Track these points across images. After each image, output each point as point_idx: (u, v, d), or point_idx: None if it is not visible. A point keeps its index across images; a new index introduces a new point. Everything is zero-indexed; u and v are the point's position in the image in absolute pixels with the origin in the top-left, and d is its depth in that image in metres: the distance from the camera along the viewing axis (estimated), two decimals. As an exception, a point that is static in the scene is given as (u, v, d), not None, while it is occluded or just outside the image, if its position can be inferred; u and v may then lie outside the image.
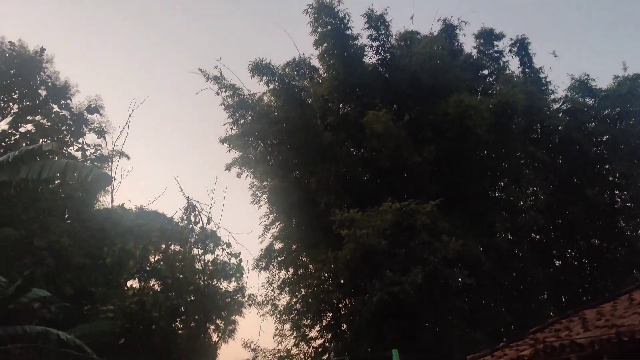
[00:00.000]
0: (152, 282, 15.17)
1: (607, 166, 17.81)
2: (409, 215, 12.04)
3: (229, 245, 14.76)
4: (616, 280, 15.94)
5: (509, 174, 16.10)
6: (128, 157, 19.07)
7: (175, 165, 39.89)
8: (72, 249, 14.65)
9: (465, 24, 17.68)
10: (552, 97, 18.29)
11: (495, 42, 18.45)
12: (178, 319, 14.97)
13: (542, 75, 18.37)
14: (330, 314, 15.84)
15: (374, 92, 16.13)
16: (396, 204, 12.21)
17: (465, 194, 15.33)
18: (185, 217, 14.55)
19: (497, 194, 16.60)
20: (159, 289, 14.98)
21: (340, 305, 15.82)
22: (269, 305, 16.55)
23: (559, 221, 17.59)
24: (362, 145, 15.67)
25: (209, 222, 14.97)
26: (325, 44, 16.01)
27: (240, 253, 15.05)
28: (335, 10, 15.72)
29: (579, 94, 17.89)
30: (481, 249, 14.36)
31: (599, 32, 51.29)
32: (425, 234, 12.09)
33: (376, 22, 16.22)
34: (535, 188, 17.29)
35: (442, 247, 11.74)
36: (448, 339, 11.97)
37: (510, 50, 18.57)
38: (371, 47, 16.63)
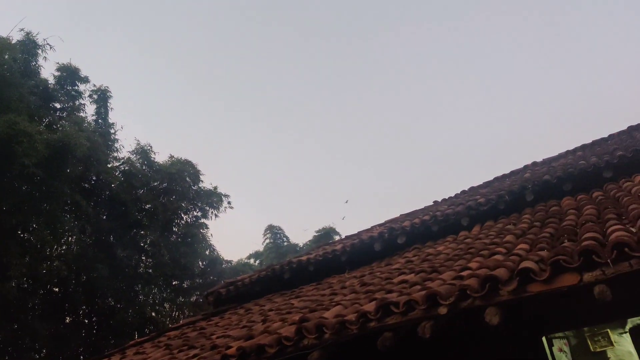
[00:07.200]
0: None
1: (142, 232, 19.38)
2: None
3: None
4: (120, 340, 16.78)
5: (47, 216, 14.92)
6: None
7: None
8: None
9: (51, 47, 16.50)
10: (116, 154, 18.93)
11: (78, 82, 17.94)
12: None
13: (112, 130, 18.89)
14: None
15: None
16: None
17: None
18: None
19: (25, 235, 14.98)
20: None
21: None
22: None
23: (85, 277, 17.40)
24: None
25: None
26: None
27: None
28: None
29: (139, 160, 19.29)
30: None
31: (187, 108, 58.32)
32: None
33: None
34: (71, 238, 16.65)
35: None
36: None
37: (90, 96, 18.42)
38: None
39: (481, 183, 9.53)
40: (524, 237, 4.81)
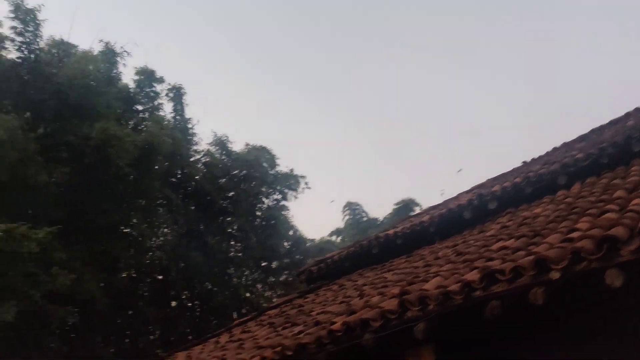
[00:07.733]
0: None
1: (229, 219, 20.38)
2: (14, 241, 10.20)
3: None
4: (221, 320, 17.99)
5: (143, 211, 16.18)
6: None
7: None
8: None
9: (128, 54, 17.47)
10: (195, 147, 19.95)
11: (154, 84, 18.93)
12: None
13: (190, 125, 19.84)
14: None
15: (6, 94, 13.71)
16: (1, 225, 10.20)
17: (93, 225, 14.49)
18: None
19: (127, 230, 16.36)
20: None
21: None
22: None
23: (182, 264, 18.70)
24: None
25: None
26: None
27: None
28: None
29: (218, 150, 20.19)
30: (102, 284, 13.96)
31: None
32: (32, 264, 10.53)
33: (25, 15, 14.05)
34: (166, 229, 17.92)
35: (50, 280, 10.46)
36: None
37: (166, 94, 19.39)
38: (13, 40, 14.19)
39: (575, 137, 8.83)
40: (638, 192, 4.41)
